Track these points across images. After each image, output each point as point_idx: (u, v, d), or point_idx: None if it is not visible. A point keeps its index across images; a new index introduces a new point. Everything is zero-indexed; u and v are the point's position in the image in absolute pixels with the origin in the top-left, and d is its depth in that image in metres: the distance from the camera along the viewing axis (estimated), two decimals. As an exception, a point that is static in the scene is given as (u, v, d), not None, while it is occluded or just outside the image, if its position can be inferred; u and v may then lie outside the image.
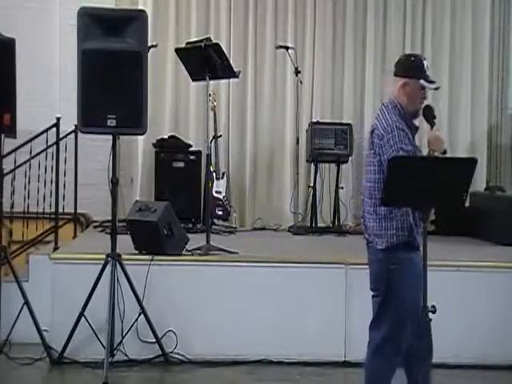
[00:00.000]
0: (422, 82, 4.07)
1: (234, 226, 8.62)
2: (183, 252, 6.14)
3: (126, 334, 5.69)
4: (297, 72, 8.39)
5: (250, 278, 6.01)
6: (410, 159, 3.83)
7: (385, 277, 4.03)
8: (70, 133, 7.44)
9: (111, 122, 5.39)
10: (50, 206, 7.18)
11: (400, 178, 3.62)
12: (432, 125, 4.04)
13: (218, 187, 8.39)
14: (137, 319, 5.71)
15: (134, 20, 5.46)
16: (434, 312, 3.73)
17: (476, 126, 9.20)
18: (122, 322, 5.65)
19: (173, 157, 8.35)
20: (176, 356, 5.86)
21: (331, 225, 8.58)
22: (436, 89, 4.18)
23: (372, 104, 9.04)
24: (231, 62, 6.82)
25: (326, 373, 5.79)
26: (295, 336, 5.93)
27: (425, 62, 4.13)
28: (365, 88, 9.14)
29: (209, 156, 6.69)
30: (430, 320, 3.72)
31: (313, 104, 9.07)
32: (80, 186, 7.62)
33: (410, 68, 4.13)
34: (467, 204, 4.07)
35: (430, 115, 4.07)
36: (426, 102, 4.14)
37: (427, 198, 3.67)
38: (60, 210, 7.16)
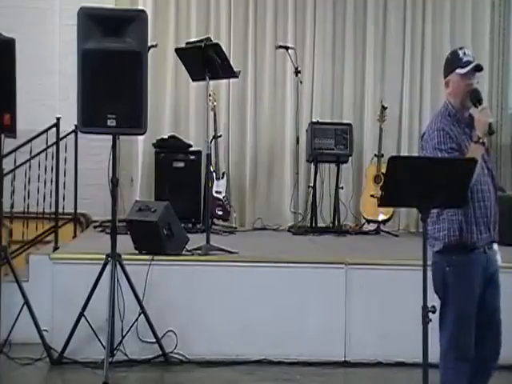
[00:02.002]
0: (457, 70, 3.99)
1: (233, 226, 8.62)
2: (183, 252, 6.14)
3: (126, 334, 5.69)
4: (297, 72, 8.40)
5: (250, 278, 6.01)
6: (409, 159, 3.83)
7: (441, 279, 3.98)
8: (70, 133, 7.44)
9: (111, 122, 5.39)
10: (50, 206, 7.18)
11: (399, 179, 3.62)
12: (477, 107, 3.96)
13: (218, 187, 8.39)
14: (137, 319, 5.71)
15: (133, 20, 5.46)
16: (433, 312, 3.72)
17: (476, 125, 9.19)
18: (122, 322, 5.65)
19: (173, 157, 8.35)
20: (176, 356, 5.86)
21: (331, 225, 8.58)
22: (478, 69, 4.00)
23: (372, 104, 9.05)
24: (231, 62, 6.82)
25: (326, 373, 5.79)
26: (295, 336, 5.93)
27: (460, 52, 4.04)
28: (365, 88, 9.15)
29: (209, 156, 6.69)
30: (430, 320, 3.72)
31: (313, 104, 9.08)
32: (80, 186, 7.63)
33: (446, 66, 4.09)
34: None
35: (474, 99, 3.96)
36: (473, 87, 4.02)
37: (427, 198, 3.66)
38: (60, 210, 7.16)
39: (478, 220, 3.94)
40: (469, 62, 3.98)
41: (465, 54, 4.02)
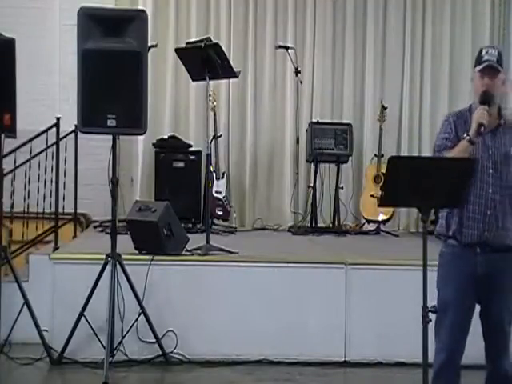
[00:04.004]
0: (475, 68, 3.96)
1: (233, 226, 8.62)
2: (183, 252, 6.14)
3: (126, 334, 5.69)
4: (297, 72, 8.40)
5: (249, 277, 6.01)
6: (409, 159, 3.83)
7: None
8: (70, 133, 7.44)
9: (111, 122, 5.39)
10: (50, 206, 7.18)
11: (399, 179, 3.62)
12: None
13: (218, 187, 8.39)
14: (137, 319, 5.71)
15: (133, 20, 5.46)
16: (434, 312, 3.73)
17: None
18: (122, 322, 5.65)
19: (173, 157, 8.35)
20: (176, 356, 5.86)
21: (331, 225, 8.58)
22: (487, 63, 3.90)
23: (372, 104, 9.05)
24: (231, 62, 6.82)
25: (326, 373, 5.79)
26: (295, 336, 5.93)
27: (483, 50, 3.98)
28: (365, 88, 9.15)
29: (209, 156, 6.69)
30: (430, 320, 3.72)
31: (313, 104, 9.07)
32: (80, 186, 7.63)
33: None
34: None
35: (480, 99, 3.91)
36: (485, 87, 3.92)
37: (427, 198, 3.66)
38: (60, 210, 7.16)
39: (467, 215, 3.93)
40: (486, 61, 3.92)
41: (487, 52, 3.96)
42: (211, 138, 8.09)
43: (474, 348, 4.03)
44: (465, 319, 3.98)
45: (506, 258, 3.97)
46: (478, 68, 3.94)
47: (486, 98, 3.90)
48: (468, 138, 3.84)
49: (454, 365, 4.00)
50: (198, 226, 8.04)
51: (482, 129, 3.83)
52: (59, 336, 5.73)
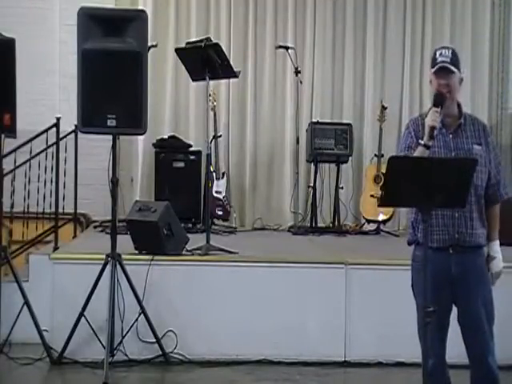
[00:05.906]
0: (430, 70, 3.97)
1: (233, 226, 8.62)
2: (183, 252, 6.14)
3: (126, 334, 5.69)
4: (297, 72, 8.41)
5: (249, 277, 6.01)
6: (409, 159, 3.82)
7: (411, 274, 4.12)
8: (70, 133, 7.45)
9: (111, 122, 5.39)
10: (50, 206, 7.18)
11: (399, 179, 3.62)
12: None
13: (218, 187, 8.39)
14: (137, 319, 5.71)
15: (133, 20, 5.47)
16: (434, 312, 3.72)
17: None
18: (122, 322, 5.65)
19: (173, 157, 8.36)
20: (176, 356, 5.86)
21: (331, 225, 8.59)
22: (440, 65, 3.90)
23: (372, 104, 9.05)
24: (231, 62, 6.82)
25: (325, 373, 5.79)
26: (295, 336, 5.93)
27: (437, 52, 3.97)
28: (365, 88, 9.15)
29: (209, 156, 6.69)
30: (429, 322, 3.72)
31: (313, 104, 9.08)
32: (80, 186, 7.64)
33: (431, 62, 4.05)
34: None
35: (433, 101, 3.94)
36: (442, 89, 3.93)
37: (427, 198, 3.66)
38: (60, 210, 7.17)
39: (436, 222, 3.93)
40: (439, 62, 3.92)
41: (441, 54, 3.96)
42: (211, 138, 8.09)
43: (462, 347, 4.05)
44: (446, 321, 3.99)
45: (479, 255, 4.01)
46: (432, 70, 3.95)
47: (438, 100, 3.90)
48: (422, 143, 3.86)
49: (443, 367, 4.03)
50: (198, 226, 8.05)
51: (435, 132, 3.84)
52: (59, 336, 5.73)
